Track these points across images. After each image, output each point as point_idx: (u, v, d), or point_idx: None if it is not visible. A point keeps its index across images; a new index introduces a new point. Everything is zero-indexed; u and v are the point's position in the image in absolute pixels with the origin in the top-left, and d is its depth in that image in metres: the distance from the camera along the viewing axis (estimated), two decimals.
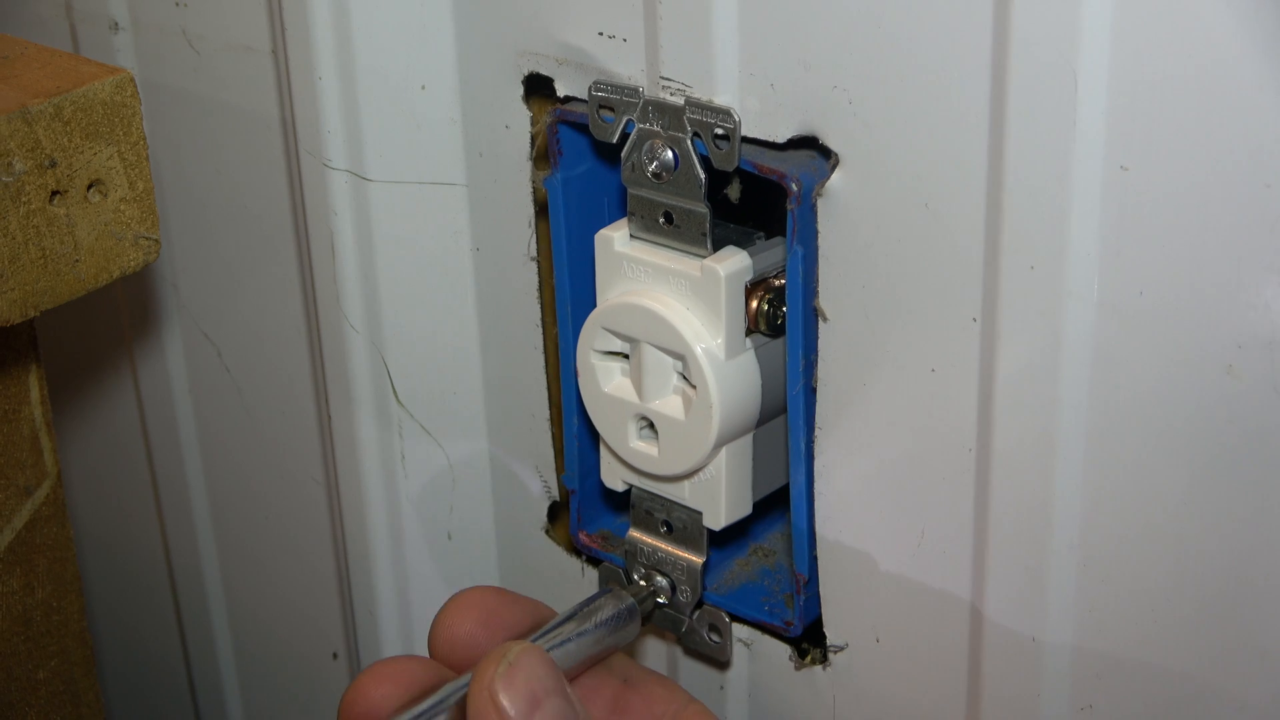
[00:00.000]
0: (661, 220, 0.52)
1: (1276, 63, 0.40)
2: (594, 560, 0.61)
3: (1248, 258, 0.43)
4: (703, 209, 0.51)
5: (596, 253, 0.54)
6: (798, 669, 0.56)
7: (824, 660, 0.55)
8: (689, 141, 0.50)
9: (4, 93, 0.51)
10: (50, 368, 0.71)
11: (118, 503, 0.80)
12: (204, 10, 0.63)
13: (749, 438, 0.53)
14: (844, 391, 0.51)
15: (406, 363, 0.62)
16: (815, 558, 0.54)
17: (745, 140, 0.50)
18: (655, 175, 0.51)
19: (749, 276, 0.51)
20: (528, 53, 0.55)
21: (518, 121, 0.56)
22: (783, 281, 0.51)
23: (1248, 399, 0.44)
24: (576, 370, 0.55)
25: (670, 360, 0.53)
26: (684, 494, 0.55)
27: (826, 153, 0.49)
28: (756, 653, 0.57)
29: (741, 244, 0.52)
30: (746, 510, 0.55)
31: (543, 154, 0.56)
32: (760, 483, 0.54)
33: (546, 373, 0.60)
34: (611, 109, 0.52)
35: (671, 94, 0.51)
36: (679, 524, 0.55)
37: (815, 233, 0.50)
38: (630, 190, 0.52)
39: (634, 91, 0.51)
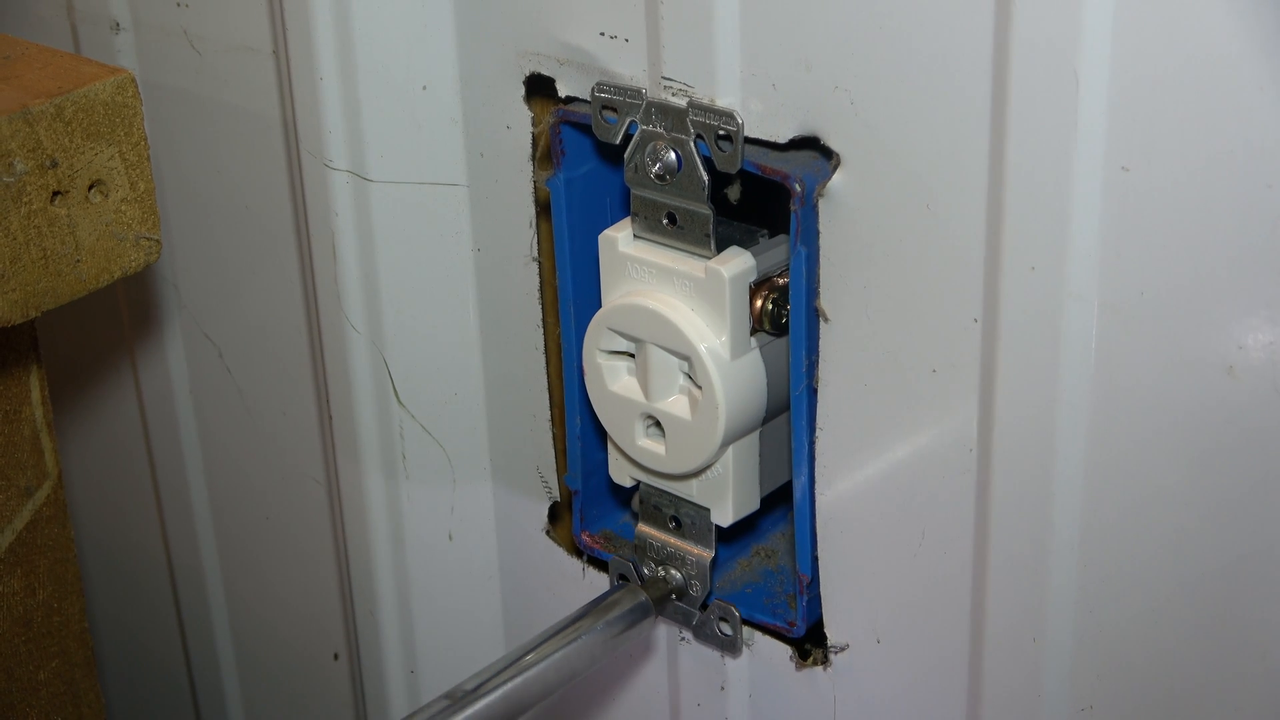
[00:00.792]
0: (665, 221, 0.52)
1: (1276, 63, 0.40)
2: (596, 561, 0.61)
3: (1248, 258, 0.43)
4: (706, 211, 0.51)
5: (600, 254, 0.54)
6: (799, 669, 0.56)
7: (825, 661, 0.55)
8: (692, 143, 0.50)
9: (5, 93, 0.51)
10: (51, 368, 0.71)
11: (119, 503, 0.80)
12: (205, 11, 0.63)
13: (755, 435, 0.54)
14: (845, 392, 0.51)
15: (407, 363, 0.62)
16: (816, 558, 0.54)
17: (747, 141, 0.50)
18: (658, 177, 0.51)
19: (753, 277, 0.51)
20: (529, 53, 0.55)
21: (519, 122, 0.56)
22: (787, 280, 0.51)
23: (1248, 399, 0.44)
24: (583, 370, 0.55)
25: (676, 360, 0.53)
26: (692, 491, 0.55)
27: (828, 153, 0.49)
28: (758, 653, 0.57)
29: (745, 243, 0.52)
30: (754, 506, 0.55)
31: (545, 154, 0.56)
32: (767, 478, 0.55)
33: (548, 373, 0.60)
34: (615, 110, 0.52)
35: (674, 95, 0.51)
36: (688, 520, 0.56)
37: (816, 233, 0.50)
38: (634, 191, 0.52)
39: (637, 93, 0.51)
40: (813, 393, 0.52)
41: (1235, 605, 0.46)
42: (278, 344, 0.67)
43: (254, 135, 0.64)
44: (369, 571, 0.65)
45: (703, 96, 0.50)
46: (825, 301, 0.50)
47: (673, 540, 0.56)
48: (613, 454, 0.56)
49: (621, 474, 0.57)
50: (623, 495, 0.60)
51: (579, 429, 0.57)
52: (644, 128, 0.51)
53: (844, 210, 0.49)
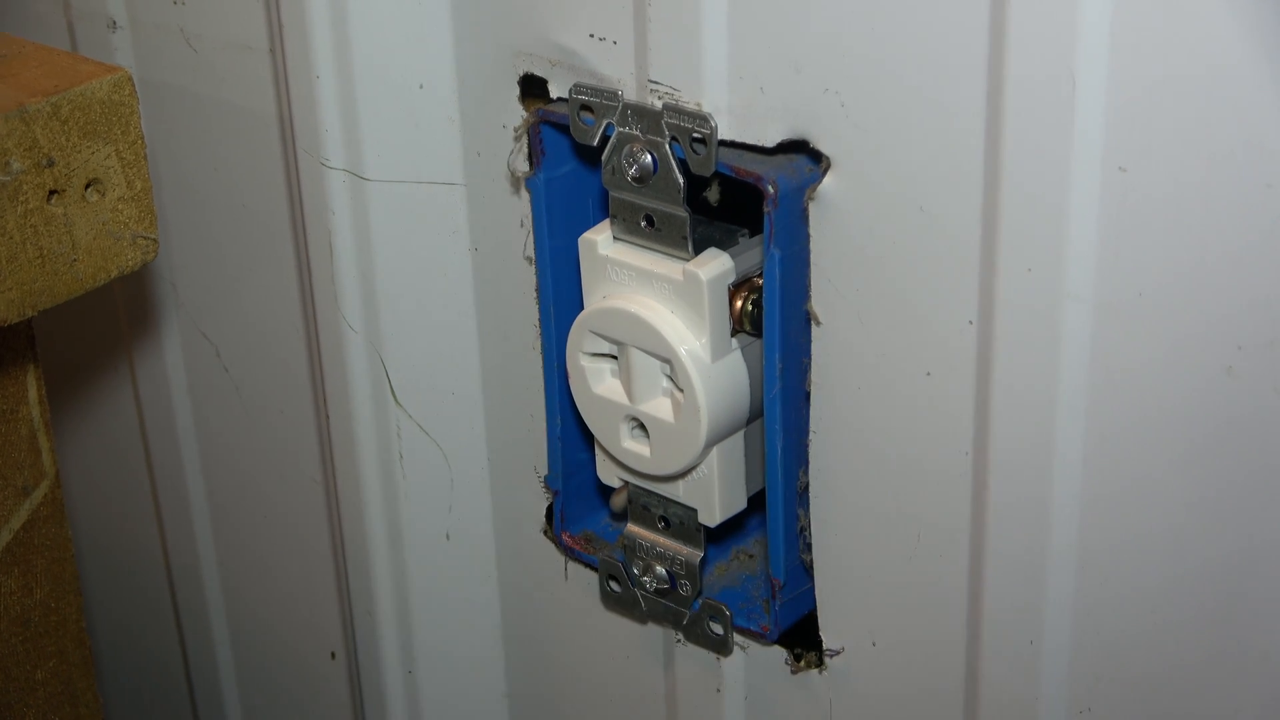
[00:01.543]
0: (643, 223, 0.52)
1: (1275, 63, 0.40)
2: (583, 562, 0.61)
3: (1247, 258, 0.42)
4: (682, 213, 0.51)
5: (581, 256, 0.54)
6: (794, 673, 0.56)
7: (820, 664, 0.55)
8: (667, 146, 0.50)
9: (1, 91, 0.51)
10: (48, 367, 0.71)
11: (116, 503, 0.80)
12: (202, 9, 0.63)
13: (740, 435, 0.53)
14: (838, 395, 0.51)
15: (404, 363, 0.61)
16: (807, 562, 0.54)
17: (734, 144, 0.50)
18: (635, 179, 0.51)
19: (732, 279, 0.51)
20: (523, 53, 0.55)
21: (515, 121, 0.56)
22: None
23: (1248, 400, 0.44)
24: (565, 371, 0.55)
25: (657, 363, 0.53)
26: (678, 492, 0.55)
27: (817, 156, 0.48)
28: (752, 656, 0.57)
29: (725, 243, 0.52)
30: (741, 505, 0.55)
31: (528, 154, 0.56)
32: (753, 478, 0.54)
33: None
34: (592, 111, 0.52)
35: (659, 97, 0.50)
36: (676, 519, 0.56)
37: (806, 236, 0.49)
38: (612, 193, 0.52)
39: (613, 95, 0.51)
40: (803, 396, 0.52)
41: (1234, 607, 0.46)
42: (275, 343, 0.67)
43: (251, 134, 0.63)
44: (366, 571, 0.65)
45: (688, 99, 0.50)
46: (817, 304, 0.50)
47: (662, 540, 0.56)
48: (599, 455, 0.56)
49: (609, 475, 0.57)
50: (605, 496, 0.59)
51: (559, 429, 0.57)
52: (620, 130, 0.51)
53: (835, 213, 0.49)
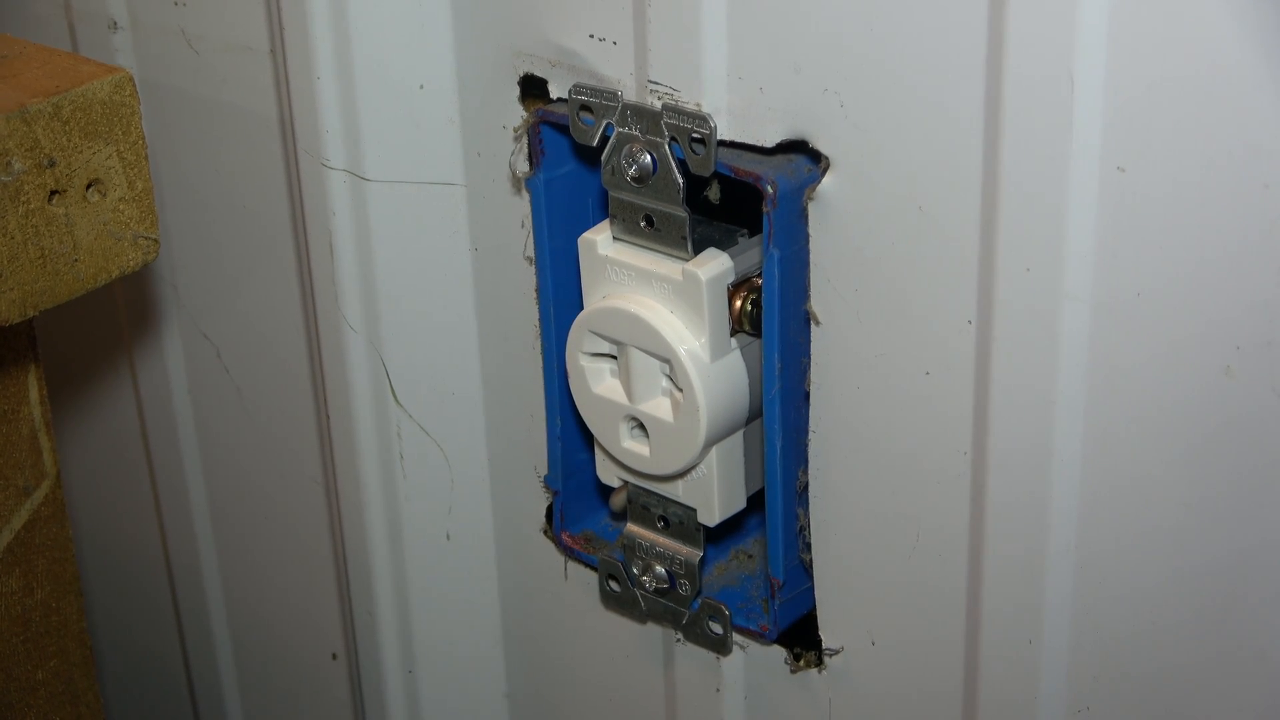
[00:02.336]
0: (643, 223, 0.52)
1: (1274, 63, 0.40)
2: (583, 562, 0.61)
3: (1245, 258, 0.42)
4: (682, 214, 0.51)
5: (580, 256, 0.54)
6: (793, 672, 0.56)
7: (819, 663, 0.55)
8: (666, 146, 0.50)
9: (3, 92, 0.51)
10: (49, 368, 0.71)
11: (117, 503, 0.80)
12: (203, 10, 0.63)
13: (739, 435, 0.53)
14: (838, 395, 0.51)
15: (405, 363, 0.62)
16: (806, 562, 0.54)
17: (733, 144, 0.50)
18: (635, 179, 0.51)
19: (731, 279, 0.51)
20: (523, 54, 0.55)
21: (515, 122, 0.56)
22: None
23: (1246, 400, 0.44)
24: (565, 371, 0.55)
25: (657, 363, 0.53)
26: (678, 492, 0.55)
27: (817, 156, 0.49)
28: (752, 656, 0.57)
29: (724, 243, 0.52)
30: (740, 505, 0.55)
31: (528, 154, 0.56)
32: (753, 478, 0.54)
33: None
34: (591, 111, 0.52)
35: (659, 97, 0.51)
36: (675, 519, 0.56)
37: (805, 235, 0.50)
38: (611, 193, 0.52)
39: (613, 95, 0.51)
40: (803, 396, 0.52)
41: (1233, 607, 0.46)
42: (276, 343, 0.67)
43: (252, 134, 0.64)
44: (367, 571, 0.65)
45: (687, 99, 0.50)
46: (816, 304, 0.50)
47: (661, 539, 0.56)
48: (599, 455, 0.56)
49: (609, 475, 0.57)
50: (605, 496, 0.59)
51: (559, 429, 0.57)
52: (620, 130, 0.51)
53: (835, 213, 0.49)
